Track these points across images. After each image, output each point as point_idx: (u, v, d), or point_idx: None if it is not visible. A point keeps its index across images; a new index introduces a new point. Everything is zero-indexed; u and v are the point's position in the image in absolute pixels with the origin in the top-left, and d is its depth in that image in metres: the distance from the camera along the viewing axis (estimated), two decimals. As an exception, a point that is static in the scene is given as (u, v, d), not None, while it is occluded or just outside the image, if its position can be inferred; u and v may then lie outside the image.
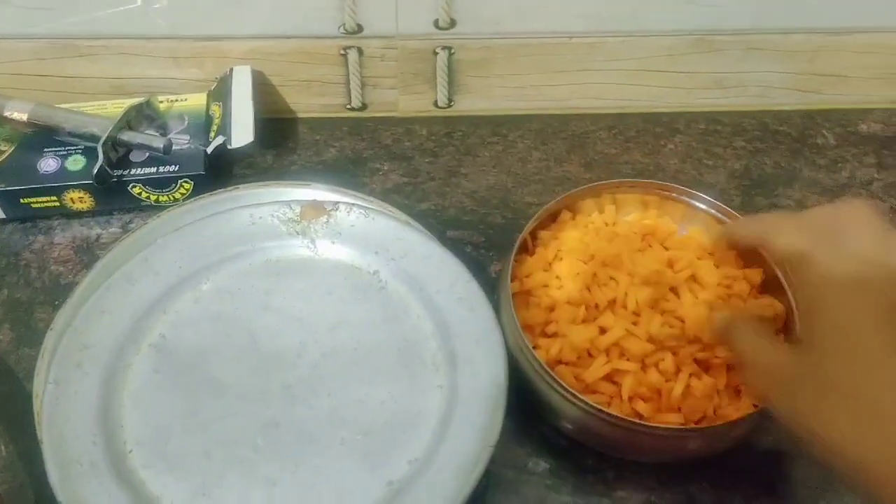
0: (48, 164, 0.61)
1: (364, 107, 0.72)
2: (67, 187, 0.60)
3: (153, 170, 0.61)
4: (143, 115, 0.64)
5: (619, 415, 0.44)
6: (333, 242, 0.55)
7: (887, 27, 0.69)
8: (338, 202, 0.56)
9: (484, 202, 0.65)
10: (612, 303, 0.50)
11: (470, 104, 0.72)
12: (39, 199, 0.60)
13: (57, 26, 0.64)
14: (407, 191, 0.66)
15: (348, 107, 0.72)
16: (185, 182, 0.61)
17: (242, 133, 0.63)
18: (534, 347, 0.48)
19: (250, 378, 0.49)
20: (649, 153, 0.70)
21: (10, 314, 0.56)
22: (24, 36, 0.65)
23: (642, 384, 0.47)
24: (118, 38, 0.66)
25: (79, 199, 0.61)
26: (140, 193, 0.61)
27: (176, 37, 0.66)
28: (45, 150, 0.62)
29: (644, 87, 0.72)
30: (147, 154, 0.62)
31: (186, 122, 0.65)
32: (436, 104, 0.72)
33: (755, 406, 0.47)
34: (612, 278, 0.51)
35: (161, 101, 0.66)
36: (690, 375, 0.47)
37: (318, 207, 0.55)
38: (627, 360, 0.48)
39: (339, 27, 0.65)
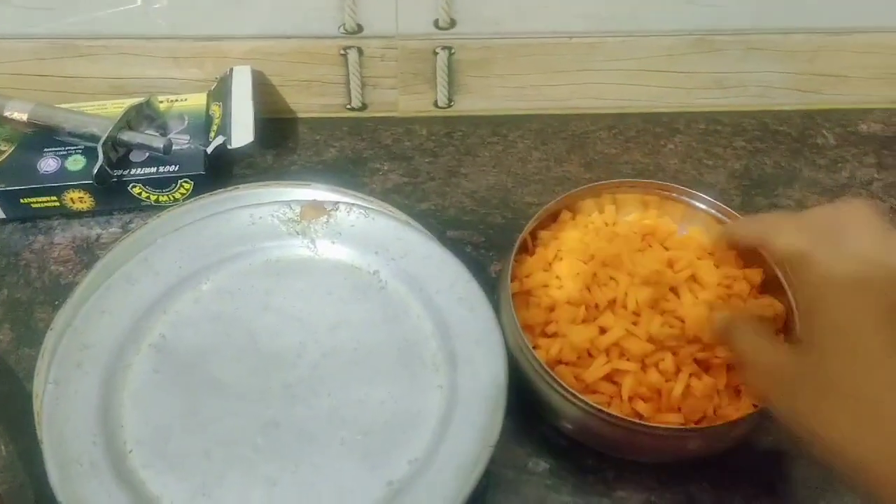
0: (48, 164, 0.61)
1: (364, 107, 0.72)
2: (67, 187, 0.60)
3: (153, 170, 0.61)
4: (143, 115, 0.64)
5: (619, 415, 0.44)
6: (333, 242, 0.55)
7: (887, 27, 0.69)
8: (338, 202, 0.56)
9: (484, 202, 0.65)
10: (612, 303, 0.50)
11: (470, 104, 0.72)
12: (39, 199, 0.60)
13: (57, 26, 0.64)
14: (407, 191, 0.66)
15: (348, 107, 0.72)
16: (185, 182, 0.61)
17: (242, 133, 0.63)
18: (534, 347, 0.48)
19: (250, 378, 0.49)
20: (649, 153, 0.70)
21: (10, 314, 0.56)
22: (24, 36, 0.65)
23: (642, 384, 0.47)
24: (118, 38, 0.66)
25: (79, 199, 0.61)
26: (140, 193, 0.62)
27: (176, 37, 0.66)
28: (45, 150, 0.62)
29: (644, 87, 0.72)
30: (147, 154, 0.62)
31: (186, 122, 0.65)
32: (436, 104, 0.72)
33: (755, 406, 0.47)
34: (612, 278, 0.51)
35: (161, 101, 0.66)
36: (690, 375, 0.47)
37: (318, 207, 0.55)
38: (627, 360, 0.48)
39: (339, 27, 0.65)
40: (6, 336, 0.55)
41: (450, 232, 0.62)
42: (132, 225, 0.62)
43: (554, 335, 0.50)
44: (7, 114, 0.61)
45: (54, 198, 0.60)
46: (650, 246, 0.54)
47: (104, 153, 0.59)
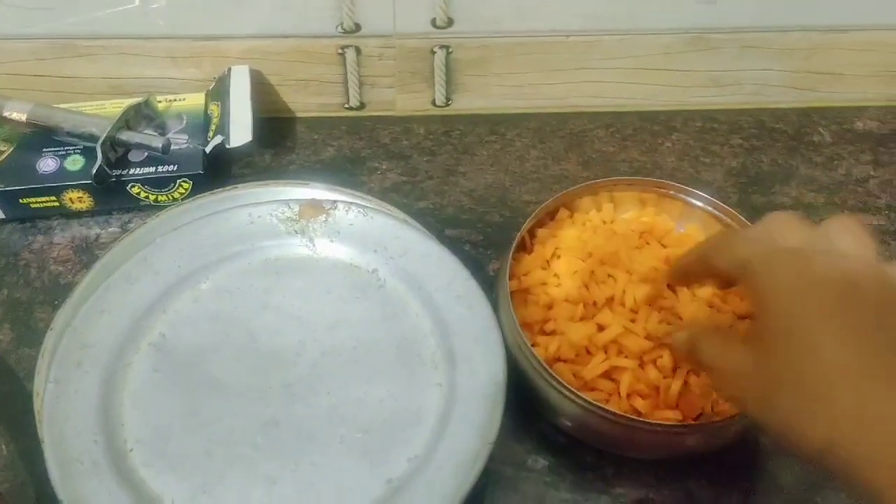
0: (47, 164, 0.61)
1: (362, 106, 0.72)
2: (66, 187, 0.60)
3: (152, 169, 0.61)
4: (141, 114, 0.64)
5: (617, 412, 0.44)
6: (332, 241, 0.55)
7: (883, 25, 0.69)
8: (336, 201, 0.56)
9: (482, 201, 0.65)
10: (610, 300, 0.51)
11: (468, 103, 0.72)
12: (39, 199, 0.61)
13: (56, 26, 0.65)
14: (405, 190, 0.66)
15: (346, 106, 0.72)
16: (184, 182, 0.62)
17: (241, 132, 0.63)
18: (532, 345, 0.48)
19: (250, 377, 0.49)
20: (647, 151, 0.70)
21: (9, 314, 0.57)
22: (23, 36, 0.65)
23: (640, 381, 0.47)
24: (117, 38, 0.66)
25: (78, 199, 0.61)
26: (139, 193, 0.62)
27: (174, 37, 0.66)
28: (44, 150, 0.62)
29: (641, 86, 0.72)
30: (146, 154, 0.62)
31: (185, 122, 0.65)
32: (434, 103, 0.72)
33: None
34: (610, 276, 0.52)
35: (159, 101, 0.66)
36: (688, 372, 0.48)
37: (316, 206, 0.55)
38: (626, 357, 0.48)
39: (336, 26, 0.65)
40: (6, 336, 0.55)
41: (448, 230, 0.63)
42: (131, 225, 0.62)
43: (552, 333, 0.50)
44: (6, 114, 0.61)
45: (53, 198, 0.61)
46: (648, 243, 0.55)
47: (103, 153, 0.59)
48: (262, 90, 0.69)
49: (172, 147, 0.62)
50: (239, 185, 0.60)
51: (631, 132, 0.72)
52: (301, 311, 0.52)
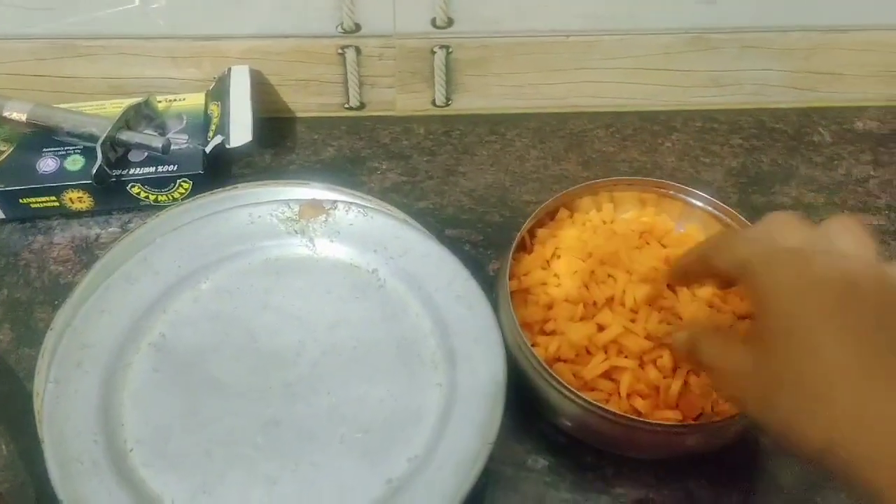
0: (47, 164, 0.61)
1: (362, 106, 0.72)
2: (66, 187, 0.60)
3: (152, 169, 0.61)
4: (141, 114, 0.64)
5: (617, 412, 0.44)
6: (332, 241, 0.55)
7: (883, 25, 0.69)
8: (336, 201, 0.56)
9: (482, 201, 0.65)
10: (610, 300, 0.51)
11: (468, 103, 0.72)
12: (39, 199, 0.61)
13: (56, 26, 0.65)
14: (405, 190, 0.66)
15: (346, 106, 0.72)
16: (184, 182, 0.62)
17: (241, 132, 0.63)
18: (532, 345, 0.48)
19: (250, 377, 0.49)
20: (647, 151, 0.70)
21: (9, 314, 0.57)
22: (23, 36, 0.65)
23: (640, 381, 0.47)
24: (117, 38, 0.66)
25: (78, 199, 0.61)
26: (139, 193, 0.62)
27: (174, 37, 0.66)
28: (44, 150, 0.62)
29: (641, 86, 0.72)
30: (146, 154, 0.62)
31: (185, 122, 0.65)
32: (434, 103, 0.72)
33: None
34: (610, 276, 0.52)
35: (159, 101, 0.66)
36: (688, 372, 0.48)
37: (316, 206, 0.55)
38: (626, 357, 0.48)
39: (336, 26, 0.65)
40: (6, 336, 0.55)
41: (448, 230, 0.63)
42: (131, 225, 0.62)
43: (552, 333, 0.50)
44: (6, 114, 0.61)
45: (53, 198, 0.61)
46: (648, 243, 0.55)
47: (103, 153, 0.59)
48: (262, 90, 0.69)
49: (172, 147, 0.62)
50: (239, 185, 0.60)
51: (631, 132, 0.72)
52: (301, 311, 0.52)
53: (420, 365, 0.49)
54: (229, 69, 0.67)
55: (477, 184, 0.67)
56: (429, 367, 0.49)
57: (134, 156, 0.62)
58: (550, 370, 0.46)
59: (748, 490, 0.49)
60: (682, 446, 0.47)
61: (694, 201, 0.56)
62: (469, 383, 0.47)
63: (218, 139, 0.63)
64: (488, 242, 0.62)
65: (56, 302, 0.57)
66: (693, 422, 0.47)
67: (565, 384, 0.45)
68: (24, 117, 0.61)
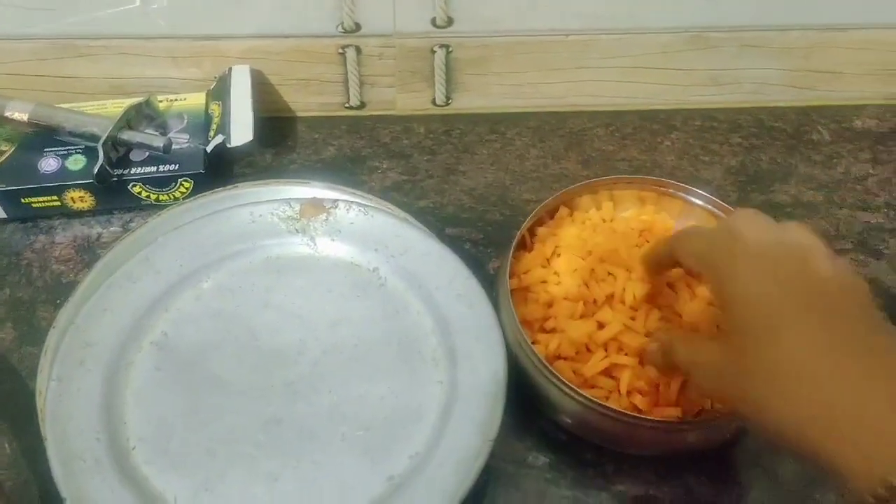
0: (49, 163, 0.61)
1: (362, 105, 0.72)
2: (68, 187, 0.60)
3: (153, 169, 0.61)
4: (142, 114, 0.64)
5: (617, 408, 0.45)
6: (333, 240, 0.55)
7: (881, 24, 0.69)
8: (337, 200, 0.56)
9: (482, 199, 0.65)
10: (609, 298, 0.51)
11: (468, 102, 0.72)
12: (40, 199, 0.61)
13: (57, 26, 0.65)
14: (405, 188, 0.66)
15: (347, 105, 0.72)
16: (185, 181, 0.62)
17: (242, 132, 0.63)
18: (533, 343, 0.48)
19: (251, 375, 0.49)
20: (646, 150, 0.70)
21: (12, 313, 0.57)
22: (24, 36, 0.65)
23: (640, 378, 0.48)
24: (117, 38, 0.66)
25: (79, 199, 0.61)
26: (140, 192, 0.62)
27: (174, 36, 0.66)
28: (46, 149, 0.62)
29: (640, 85, 0.72)
30: (147, 153, 0.62)
31: (186, 122, 0.65)
32: (434, 102, 0.72)
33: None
34: (610, 274, 0.52)
35: (160, 101, 0.66)
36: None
37: (317, 205, 0.56)
38: (626, 354, 0.48)
39: (337, 26, 0.66)
40: (8, 335, 0.56)
41: (448, 229, 0.63)
42: (133, 224, 0.62)
43: (553, 331, 0.50)
44: (7, 114, 0.61)
45: (55, 197, 0.61)
46: (647, 241, 0.55)
47: (104, 153, 0.59)
48: (262, 90, 0.69)
49: (173, 146, 0.62)
50: (240, 185, 0.60)
51: (630, 131, 0.72)
52: (302, 310, 0.52)
53: (421, 363, 0.49)
54: (230, 69, 0.67)
55: (477, 182, 0.67)
56: (430, 365, 0.49)
57: (135, 155, 0.62)
58: (551, 368, 0.46)
59: (747, 486, 0.49)
60: (682, 443, 0.47)
61: (693, 199, 0.56)
62: (470, 381, 0.48)
63: (219, 138, 0.63)
64: (488, 241, 0.62)
65: (58, 301, 0.57)
66: (693, 418, 0.47)
67: (566, 381, 0.45)
68: (25, 117, 0.61)
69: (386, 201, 0.59)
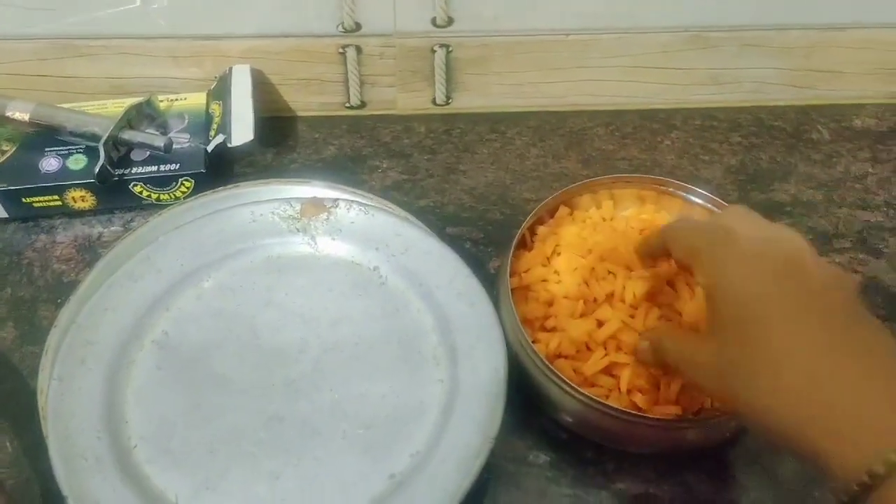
0: (50, 163, 0.61)
1: (363, 105, 0.72)
2: (69, 186, 0.60)
3: (154, 168, 0.61)
4: (143, 114, 0.64)
5: (618, 406, 0.45)
6: (334, 239, 0.55)
7: (881, 23, 0.69)
8: (337, 199, 0.56)
9: (482, 199, 0.66)
10: (609, 296, 0.51)
11: (468, 101, 0.72)
12: (41, 199, 0.61)
13: (57, 26, 0.65)
14: (406, 188, 0.66)
15: (347, 105, 0.72)
16: (186, 180, 0.62)
17: (242, 131, 0.63)
18: (533, 342, 0.48)
19: (253, 373, 0.49)
20: (646, 149, 0.71)
21: (13, 312, 0.57)
22: (24, 36, 0.65)
23: (640, 376, 0.48)
24: (118, 38, 0.66)
25: (80, 198, 0.61)
26: (141, 192, 0.62)
27: (175, 36, 0.66)
28: (47, 149, 0.62)
29: (640, 84, 0.72)
30: (148, 153, 0.62)
31: (186, 121, 0.65)
32: (434, 102, 0.72)
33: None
34: (610, 272, 0.52)
35: (161, 101, 0.66)
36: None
37: (318, 204, 0.56)
38: (625, 353, 0.48)
39: (337, 26, 0.66)
40: (10, 334, 0.56)
41: (449, 228, 0.63)
42: (133, 223, 0.62)
43: (553, 329, 0.50)
44: (9, 114, 0.61)
45: (56, 197, 0.61)
46: (648, 240, 0.55)
47: (105, 152, 0.59)
48: (263, 89, 0.70)
49: (174, 146, 0.62)
50: (241, 184, 0.60)
51: (630, 130, 0.72)
52: (303, 309, 0.52)
53: (421, 361, 0.50)
54: (230, 68, 0.67)
55: (477, 182, 0.67)
56: (430, 364, 0.49)
57: (136, 155, 0.62)
58: (551, 366, 0.46)
59: (747, 485, 0.49)
60: (681, 441, 0.47)
61: (693, 198, 0.56)
62: (470, 380, 0.48)
63: (220, 138, 0.63)
64: (489, 240, 0.62)
65: (59, 300, 0.57)
66: (692, 417, 0.47)
67: (566, 380, 0.45)
68: (26, 117, 0.61)
69: (386, 201, 0.59)
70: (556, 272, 0.53)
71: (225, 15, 0.65)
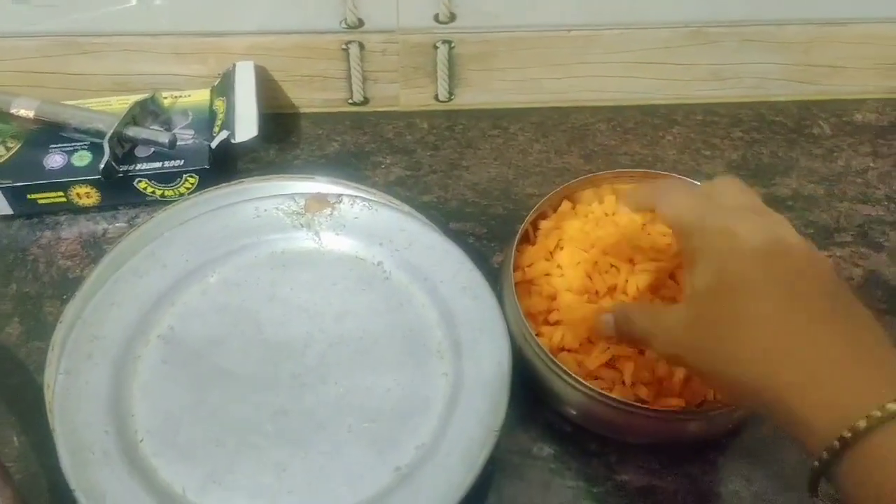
0: (54, 160, 0.61)
1: (366, 101, 0.73)
2: (74, 183, 0.61)
3: (158, 165, 0.62)
4: (147, 110, 0.65)
5: (622, 398, 0.45)
6: (338, 234, 0.55)
7: (881, 17, 0.69)
8: (341, 195, 0.56)
9: (485, 194, 0.66)
10: (612, 290, 0.51)
11: (470, 97, 0.73)
12: (46, 195, 0.61)
13: (61, 24, 0.65)
14: (409, 183, 0.67)
15: (350, 101, 0.73)
16: (190, 176, 0.62)
17: (246, 127, 0.63)
18: (537, 335, 0.49)
19: (258, 368, 0.49)
20: (648, 144, 0.71)
21: (19, 308, 0.57)
22: (28, 34, 0.66)
23: (644, 369, 0.48)
24: (121, 35, 0.66)
25: (85, 195, 0.62)
26: (146, 188, 0.62)
27: (178, 33, 0.67)
28: (52, 146, 0.62)
29: (642, 80, 0.72)
30: (152, 149, 0.62)
31: (190, 118, 0.65)
32: (437, 98, 0.73)
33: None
34: (612, 266, 0.52)
35: (165, 97, 0.67)
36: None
37: (321, 200, 0.56)
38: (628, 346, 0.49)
39: (340, 22, 0.66)
40: (16, 330, 0.56)
41: (452, 224, 0.63)
42: (138, 220, 0.63)
43: (556, 323, 0.51)
44: (13, 111, 0.62)
45: (61, 193, 0.61)
46: (649, 234, 0.55)
47: (110, 148, 0.59)
48: (266, 86, 0.70)
49: (178, 142, 0.62)
50: (245, 180, 0.60)
51: (632, 126, 0.72)
52: (308, 303, 0.52)
53: (426, 355, 0.50)
54: (234, 65, 0.68)
55: (480, 177, 0.67)
56: (435, 357, 0.50)
57: (140, 151, 0.63)
58: (555, 359, 0.46)
59: (750, 476, 0.49)
60: (684, 433, 0.48)
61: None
62: (475, 373, 0.48)
63: (223, 134, 0.63)
64: (492, 235, 0.62)
65: (64, 296, 0.57)
66: (695, 408, 0.47)
67: (570, 373, 0.46)
68: (31, 114, 0.62)
69: (390, 196, 0.59)
70: (559, 266, 0.53)
71: (228, 12, 0.65)
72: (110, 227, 0.62)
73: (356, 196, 0.57)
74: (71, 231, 0.62)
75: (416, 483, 0.44)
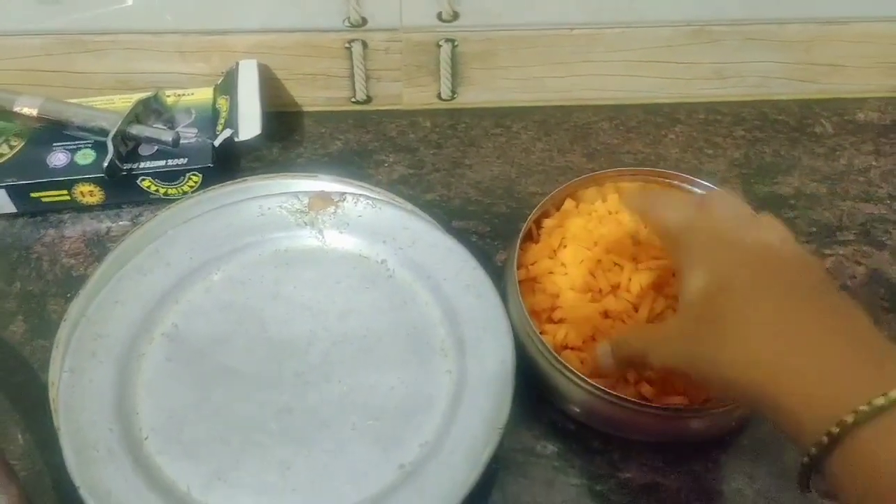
0: (58, 158, 0.62)
1: (369, 100, 0.73)
2: (77, 181, 0.61)
3: (162, 163, 0.62)
4: (150, 109, 0.65)
5: (625, 396, 0.45)
6: (341, 232, 0.56)
7: (883, 16, 0.69)
8: (345, 193, 0.56)
9: (488, 192, 0.66)
10: (615, 287, 0.51)
11: (473, 96, 0.73)
12: (49, 193, 0.61)
13: (64, 22, 0.65)
14: (412, 182, 0.67)
15: (353, 100, 0.73)
16: (194, 175, 0.62)
17: (250, 126, 0.63)
18: (540, 333, 0.49)
19: (262, 365, 0.50)
20: (650, 143, 0.71)
21: (23, 306, 0.57)
22: (32, 32, 0.66)
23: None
24: (125, 34, 0.66)
25: (88, 193, 0.62)
26: (149, 187, 0.62)
27: (181, 31, 0.67)
28: (55, 144, 0.62)
29: (644, 78, 0.72)
30: (156, 148, 0.62)
31: (194, 116, 0.65)
32: (439, 96, 0.73)
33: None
34: (616, 264, 0.52)
35: (168, 96, 0.67)
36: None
37: (325, 198, 0.56)
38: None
39: (343, 20, 0.66)
40: (20, 328, 0.56)
41: (455, 222, 0.63)
42: (142, 218, 0.63)
43: (560, 321, 0.51)
44: (17, 109, 0.62)
45: (64, 191, 0.61)
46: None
47: (114, 147, 0.59)
48: (269, 84, 0.70)
49: (182, 141, 0.62)
50: (248, 178, 0.60)
51: (635, 124, 0.73)
52: (311, 301, 0.53)
53: (430, 353, 0.50)
54: (237, 63, 0.68)
55: (483, 176, 0.67)
56: (438, 355, 0.50)
57: (144, 150, 0.63)
58: (559, 357, 0.47)
59: (753, 474, 0.49)
60: (688, 430, 0.48)
61: (698, 192, 0.57)
62: (478, 371, 0.48)
63: (227, 133, 0.63)
64: (495, 233, 0.63)
65: (68, 294, 0.57)
66: (699, 406, 0.47)
67: (574, 370, 0.46)
68: (34, 112, 0.62)
69: (393, 194, 0.59)
70: (562, 264, 0.53)
71: (231, 10, 0.65)
72: (114, 225, 0.63)
73: (359, 194, 0.57)
74: (75, 229, 0.62)
75: (420, 481, 0.44)
